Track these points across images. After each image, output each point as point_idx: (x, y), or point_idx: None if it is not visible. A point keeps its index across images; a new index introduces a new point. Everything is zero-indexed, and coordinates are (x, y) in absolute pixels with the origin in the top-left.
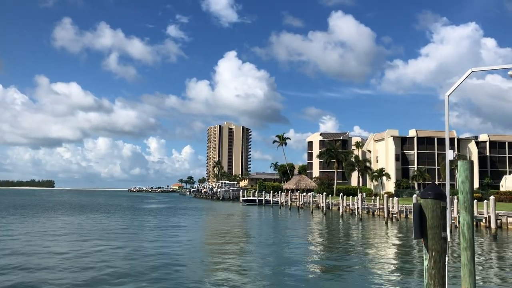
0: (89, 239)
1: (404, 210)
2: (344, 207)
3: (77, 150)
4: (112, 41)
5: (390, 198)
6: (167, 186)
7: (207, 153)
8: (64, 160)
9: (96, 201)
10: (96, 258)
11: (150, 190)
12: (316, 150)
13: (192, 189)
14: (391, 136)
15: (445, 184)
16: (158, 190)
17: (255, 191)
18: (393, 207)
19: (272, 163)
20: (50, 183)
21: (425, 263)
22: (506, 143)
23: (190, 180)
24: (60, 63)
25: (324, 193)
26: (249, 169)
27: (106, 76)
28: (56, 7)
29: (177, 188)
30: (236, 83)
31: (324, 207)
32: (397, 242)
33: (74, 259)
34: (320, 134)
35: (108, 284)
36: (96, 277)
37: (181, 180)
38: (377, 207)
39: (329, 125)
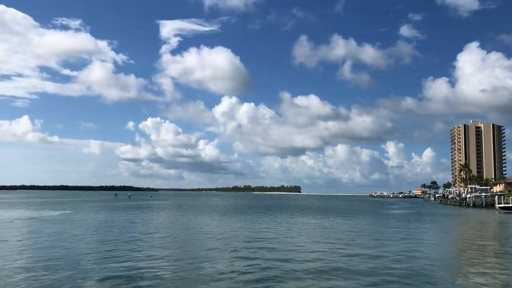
0: (334, 242)
1: None
2: None
3: (319, 157)
4: (345, 51)
5: None
6: (409, 191)
7: (451, 155)
8: (307, 167)
9: (339, 206)
10: (342, 260)
11: (391, 196)
12: None
13: (436, 195)
14: None
15: None
16: (400, 196)
17: None
18: None
19: None
20: (297, 189)
21: None
22: None
23: (433, 185)
24: (299, 78)
25: None
26: (504, 172)
27: (341, 85)
28: (293, 28)
29: (420, 193)
30: (481, 76)
31: None
32: None
33: (319, 261)
34: None
35: None
36: (335, 281)
37: (423, 185)
38: None
39: None
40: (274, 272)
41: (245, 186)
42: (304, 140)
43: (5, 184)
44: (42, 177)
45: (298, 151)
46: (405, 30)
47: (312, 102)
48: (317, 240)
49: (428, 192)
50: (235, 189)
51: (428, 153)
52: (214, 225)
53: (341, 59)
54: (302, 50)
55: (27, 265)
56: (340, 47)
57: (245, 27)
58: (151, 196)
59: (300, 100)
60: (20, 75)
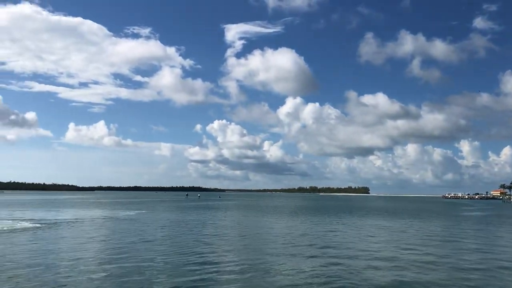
0: (407, 246)
1: None
2: None
3: (388, 157)
4: (413, 46)
5: None
6: (486, 192)
7: None
8: (376, 167)
9: (411, 207)
10: (415, 268)
11: (466, 197)
12: None
13: None
14: None
15: None
16: (476, 197)
17: None
18: None
19: None
20: (365, 190)
21: None
22: None
23: None
24: (366, 76)
25: None
26: None
27: (410, 82)
28: (359, 25)
29: (499, 194)
30: None
31: None
32: None
33: (391, 267)
34: None
35: None
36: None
37: (502, 186)
38: None
39: None
40: (343, 277)
41: (310, 187)
42: (372, 140)
43: (85, 186)
44: (117, 178)
45: (365, 151)
46: (479, 22)
47: (379, 101)
48: (388, 244)
49: (508, 193)
50: (301, 190)
51: (507, 151)
52: (281, 225)
53: (410, 55)
54: (368, 48)
55: (107, 259)
56: (408, 43)
57: (309, 27)
58: (219, 197)
59: (367, 98)
60: (96, 83)
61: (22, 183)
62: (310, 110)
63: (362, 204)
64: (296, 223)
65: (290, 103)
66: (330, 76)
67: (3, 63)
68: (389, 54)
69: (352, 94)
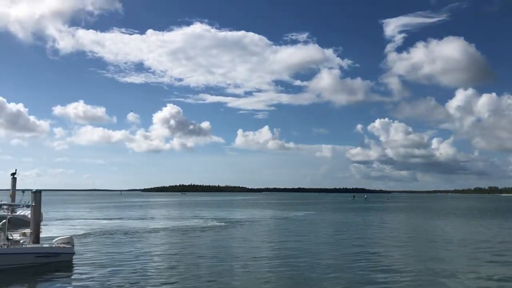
0: None
1: None
2: None
3: None
4: None
5: None
6: None
7: None
8: None
9: None
10: None
11: None
12: None
13: None
14: None
15: None
16: None
17: None
18: None
19: None
20: None
21: None
22: None
23: None
24: None
25: None
26: None
27: None
28: None
29: None
30: None
31: None
32: None
33: None
34: None
35: None
36: None
37: None
38: None
39: None
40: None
41: (490, 187)
42: None
43: (253, 187)
44: (281, 180)
45: None
46: None
47: None
48: None
49: None
50: (478, 190)
51: None
52: (459, 229)
53: None
54: None
55: (284, 257)
56: None
57: (479, 11)
58: (387, 199)
59: None
60: (259, 91)
61: (200, 185)
62: (485, 101)
63: None
64: (477, 228)
65: (461, 96)
66: (509, 62)
67: (181, 79)
68: None
69: None
